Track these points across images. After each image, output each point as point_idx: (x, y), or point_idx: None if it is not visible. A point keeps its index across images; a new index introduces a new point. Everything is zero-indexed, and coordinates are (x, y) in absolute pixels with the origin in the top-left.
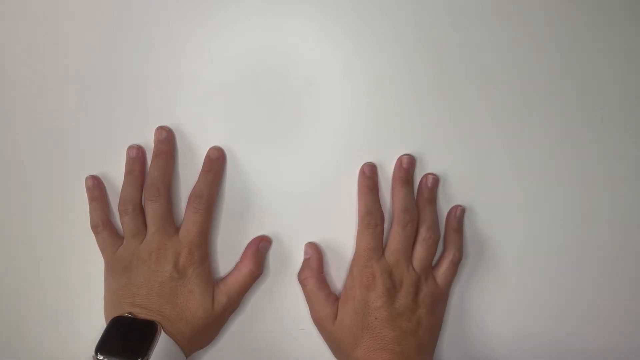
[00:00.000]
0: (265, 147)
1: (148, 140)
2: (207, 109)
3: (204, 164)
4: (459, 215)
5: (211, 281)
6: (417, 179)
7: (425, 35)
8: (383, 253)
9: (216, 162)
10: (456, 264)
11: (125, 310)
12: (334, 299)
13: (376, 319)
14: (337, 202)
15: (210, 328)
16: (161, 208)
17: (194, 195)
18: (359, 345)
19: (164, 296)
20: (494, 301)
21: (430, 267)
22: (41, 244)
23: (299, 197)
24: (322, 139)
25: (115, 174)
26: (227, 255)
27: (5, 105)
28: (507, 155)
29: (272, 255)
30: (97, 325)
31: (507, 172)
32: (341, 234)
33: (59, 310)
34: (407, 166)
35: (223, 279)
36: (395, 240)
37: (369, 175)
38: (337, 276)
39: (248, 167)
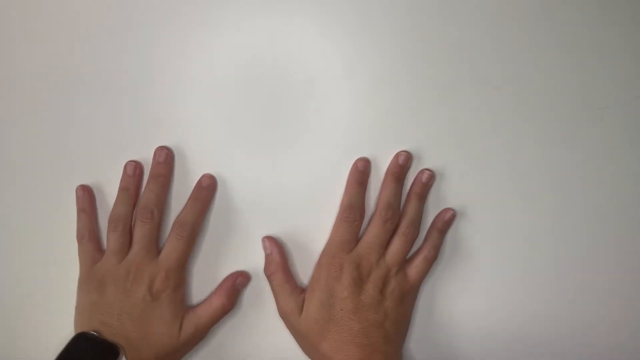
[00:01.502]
0: (265, 148)
1: (148, 140)
2: (206, 109)
3: (193, 190)
4: (447, 219)
5: (182, 308)
6: (412, 177)
7: (425, 35)
8: (355, 245)
9: (206, 190)
10: (430, 261)
11: (92, 327)
12: (300, 291)
13: (342, 310)
14: (336, 203)
15: (173, 355)
16: (150, 231)
17: (179, 223)
18: (325, 338)
19: (133, 318)
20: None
21: (402, 262)
22: (32, 250)
23: (299, 198)
24: (323, 138)
25: (111, 176)
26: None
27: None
28: (506, 154)
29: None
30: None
31: (506, 171)
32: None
33: (51, 314)
34: (402, 163)
35: (194, 308)
36: (371, 233)
37: (361, 170)
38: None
39: (247, 168)
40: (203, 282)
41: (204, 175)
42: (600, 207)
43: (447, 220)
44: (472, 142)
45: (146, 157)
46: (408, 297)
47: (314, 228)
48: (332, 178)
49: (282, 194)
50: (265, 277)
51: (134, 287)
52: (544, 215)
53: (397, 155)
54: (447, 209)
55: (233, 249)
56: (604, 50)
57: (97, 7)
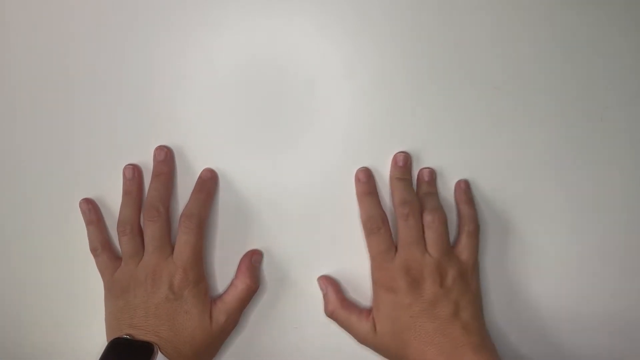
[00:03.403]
0: (265, 147)
1: (148, 141)
2: (206, 109)
3: (196, 184)
4: (464, 187)
5: (208, 301)
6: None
7: (425, 35)
8: (396, 252)
9: (208, 182)
10: (474, 235)
11: (123, 332)
12: (367, 314)
13: (411, 317)
14: (338, 203)
15: (210, 347)
16: (159, 229)
17: (184, 216)
18: (407, 347)
19: (160, 317)
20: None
21: (448, 248)
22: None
23: (298, 199)
24: (323, 138)
25: (112, 177)
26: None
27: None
28: (507, 154)
29: (274, 262)
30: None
31: (506, 171)
32: (345, 236)
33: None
34: (402, 164)
35: (220, 296)
36: (402, 234)
37: (365, 181)
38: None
39: (246, 168)
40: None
41: (204, 170)
42: (600, 207)
43: (465, 189)
44: (472, 142)
45: (146, 157)
46: (471, 278)
47: (314, 228)
48: (332, 178)
49: (281, 194)
50: (327, 317)
51: (155, 289)
52: (544, 216)
53: (395, 158)
54: (458, 181)
55: (233, 249)
56: (604, 50)
57: (97, 7)
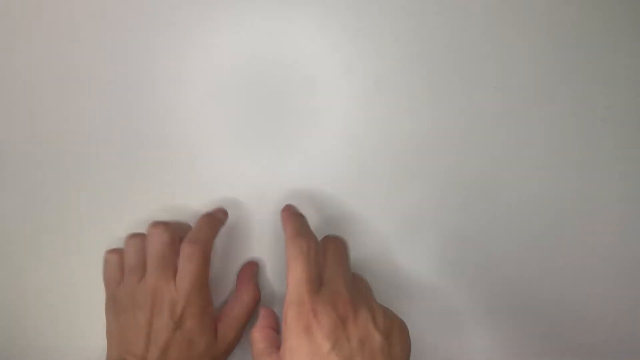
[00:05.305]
0: (265, 147)
1: (148, 141)
2: (205, 109)
3: (205, 213)
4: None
5: (214, 325)
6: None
7: (425, 34)
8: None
9: (219, 213)
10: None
11: (122, 358)
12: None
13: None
14: (338, 203)
15: None
16: (162, 246)
17: (188, 241)
18: None
19: (160, 346)
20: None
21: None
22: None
23: (299, 198)
24: (323, 138)
25: (112, 177)
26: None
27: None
28: (506, 154)
29: (274, 262)
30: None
31: (506, 171)
32: (345, 234)
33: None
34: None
35: (225, 312)
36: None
37: (292, 211)
38: None
39: (247, 167)
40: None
41: (218, 210)
42: (600, 208)
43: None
44: (472, 141)
45: (147, 158)
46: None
47: (313, 228)
48: (332, 178)
49: (281, 194)
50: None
51: (155, 314)
52: (544, 216)
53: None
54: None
55: (233, 249)
56: (604, 50)
57: (96, 7)
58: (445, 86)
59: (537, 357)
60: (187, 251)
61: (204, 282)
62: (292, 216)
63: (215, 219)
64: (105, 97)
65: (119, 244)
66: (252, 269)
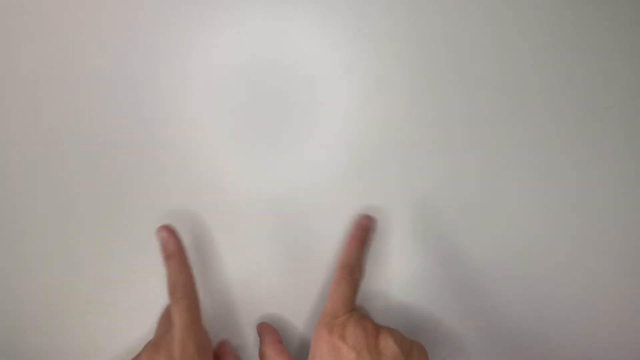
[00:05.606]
0: (264, 147)
1: (148, 141)
2: (205, 109)
3: (161, 251)
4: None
5: None
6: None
7: (425, 34)
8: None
9: (169, 243)
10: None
11: None
12: None
13: None
14: (338, 203)
15: None
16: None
17: (168, 288)
18: None
19: None
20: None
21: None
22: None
23: (298, 198)
24: (322, 138)
25: (112, 177)
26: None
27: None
28: (506, 154)
29: (274, 262)
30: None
31: (506, 171)
32: (345, 234)
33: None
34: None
35: None
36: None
37: (365, 228)
38: None
39: (246, 167)
40: (205, 283)
41: (159, 230)
42: (600, 208)
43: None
44: (472, 141)
45: (147, 158)
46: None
47: (313, 228)
48: (332, 178)
49: (281, 194)
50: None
51: (155, 358)
52: (543, 216)
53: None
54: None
55: (233, 249)
56: (604, 50)
57: (97, 8)
58: (445, 86)
59: None
60: (171, 297)
61: (195, 323)
62: (359, 241)
63: (177, 256)
64: (105, 97)
65: (119, 243)
66: (227, 345)
